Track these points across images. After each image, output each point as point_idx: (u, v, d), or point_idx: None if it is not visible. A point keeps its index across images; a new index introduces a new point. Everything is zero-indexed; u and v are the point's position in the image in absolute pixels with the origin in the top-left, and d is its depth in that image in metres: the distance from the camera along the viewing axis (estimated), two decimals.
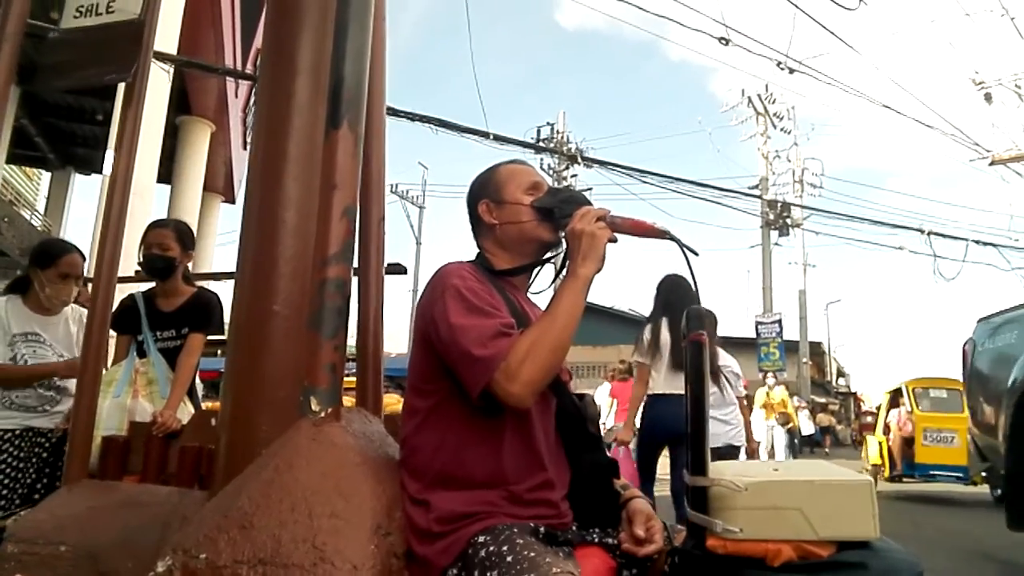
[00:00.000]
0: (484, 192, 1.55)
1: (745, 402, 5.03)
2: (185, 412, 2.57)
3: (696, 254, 1.33)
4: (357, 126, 1.48)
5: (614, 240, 1.38)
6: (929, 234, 15.97)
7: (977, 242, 15.83)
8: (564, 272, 1.40)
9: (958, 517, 7.59)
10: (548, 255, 1.55)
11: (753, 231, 19.02)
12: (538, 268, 1.56)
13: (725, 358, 4.39)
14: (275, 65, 1.70)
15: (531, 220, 1.48)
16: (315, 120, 1.57)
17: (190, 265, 2.97)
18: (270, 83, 1.71)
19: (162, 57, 6.67)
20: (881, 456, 9.85)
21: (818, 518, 1.07)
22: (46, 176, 19.66)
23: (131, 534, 1.55)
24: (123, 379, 2.56)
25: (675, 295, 3.80)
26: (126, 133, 1.96)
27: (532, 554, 1.16)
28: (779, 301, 19.44)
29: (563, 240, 1.46)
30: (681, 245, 1.32)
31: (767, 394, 11.32)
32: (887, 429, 10.11)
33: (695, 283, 1.31)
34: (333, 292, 1.40)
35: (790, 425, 11.33)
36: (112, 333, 2.88)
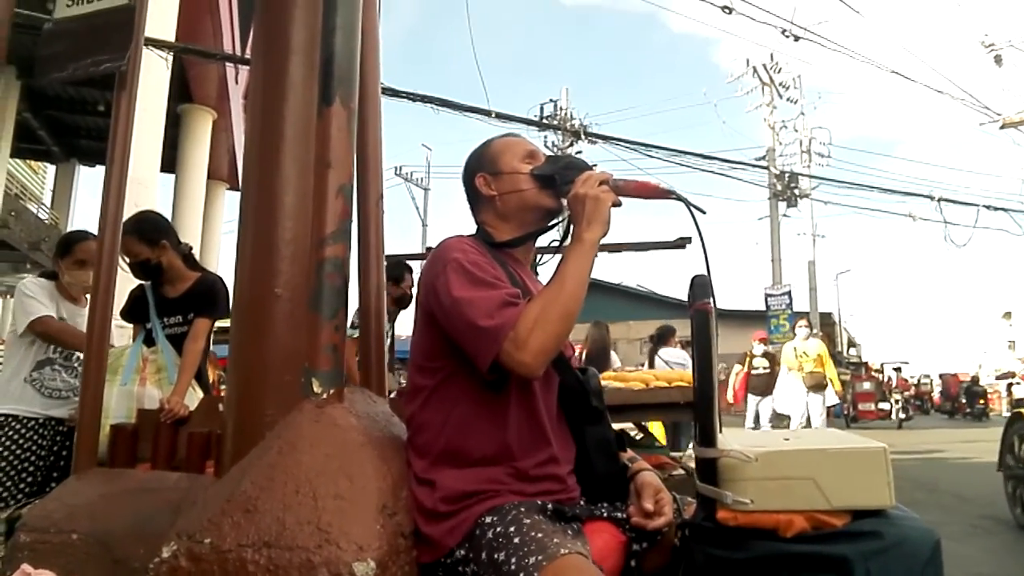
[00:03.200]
0: (480, 166, 1.52)
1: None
2: (194, 398, 2.58)
3: (704, 212, 1.30)
4: (350, 102, 1.44)
5: (618, 204, 1.35)
6: (939, 200, 15.76)
7: (988, 207, 15.60)
8: (569, 238, 1.38)
9: None
10: (550, 223, 1.52)
11: (761, 203, 18.86)
12: (540, 235, 1.53)
13: (676, 355, 5.73)
14: (267, 44, 1.67)
15: (531, 188, 1.46)
16: (310, 99, 1.53)
17: (196, 251, 2.97)
18: (263, 63, 1.68)
19: (159, 44, 6.62)
20: None
21: (831, 487, 1.05)
22: (51, 169, 19.69)
23: (142, 520, 1.55)
24: (129, 366, 2.57)
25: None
26: (120, 119, 1.93)
27: (539, 534, 1.15)
28: (788, 272, 19.22)
29: (565, 207, 1.44)
30: (688, 204, 1.30)
31: (795, 350, 8.09)
32: None
33: (703, 243, 1.28)
34: (331, 272, 1.38)
35: (827, 390, 7.99)
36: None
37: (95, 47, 2.04)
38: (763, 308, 17.76)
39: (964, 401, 21.35)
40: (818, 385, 7.83)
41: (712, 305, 1.15)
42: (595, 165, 1.45)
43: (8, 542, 1.59)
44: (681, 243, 5.23)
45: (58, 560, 1.52)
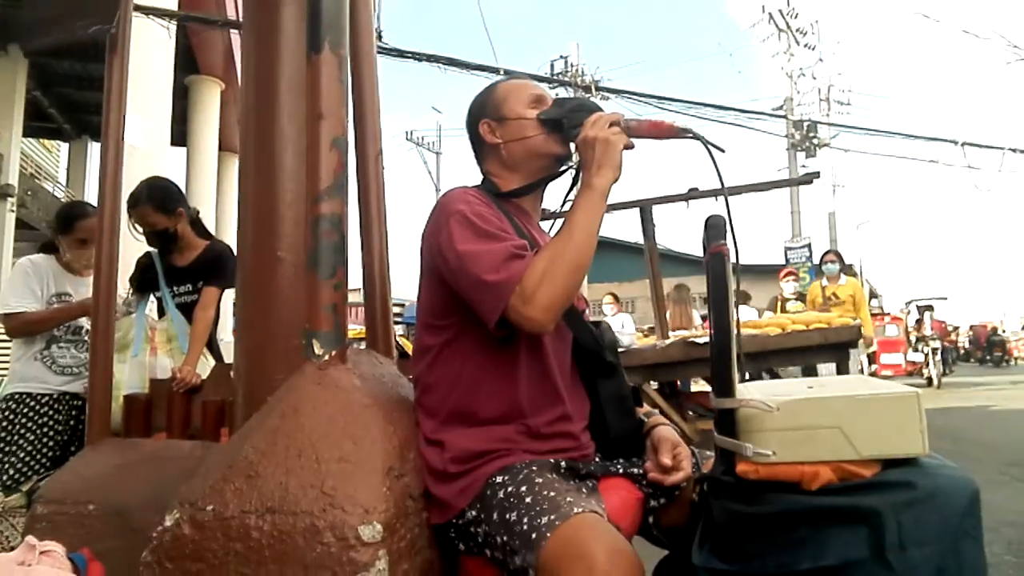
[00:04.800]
0: (483, 112, 1.44)
1: None
2: (206, 366, 2.56)
3: (722, 151, 1.23)
4: (340, 48, 1.37)
5: (630, 146, 1.27)
6: (963, 145, 15.31)
7: (1014, 150, 15.14)
8: (578, 185, 1.30)
9: None
10: (560, 170, 1.44)
11: (780, 154, 18.50)
12: (548, 183, 1.45)
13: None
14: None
15: (538, 134, 1.38)
16: (304, 53, 1.46)
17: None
18: (254, 17, 1.60)
19: (157, 12, 6.51)
20: None
21: (860, 436, 0.99)
22: (64, 147, 19.77)
23: (158, 489, 1.53)
24: (138, 336, 2.55)
25: None
26: (114, 84, 1.87)
27: (552, 493, 1.11)
28: (808, 224, 18.79)
29: (574, 152, 1.36)
30: (705, 143, 1.22)
31: (824, 291, 6.55)
32: None
33: (722, 183, 1.21)
34: (328, 229, 1.32)
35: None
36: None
37: (82, 9, 1.98)
38: (783, 262, 17.55)
39: (985, 349, 21.71)
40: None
41: (729, 247, 1.08)
42: None
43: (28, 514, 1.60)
44: (808, 179, 4.93)
45: (76, 531, 1.52)
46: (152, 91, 7.95)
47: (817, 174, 5.01)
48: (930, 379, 12.49)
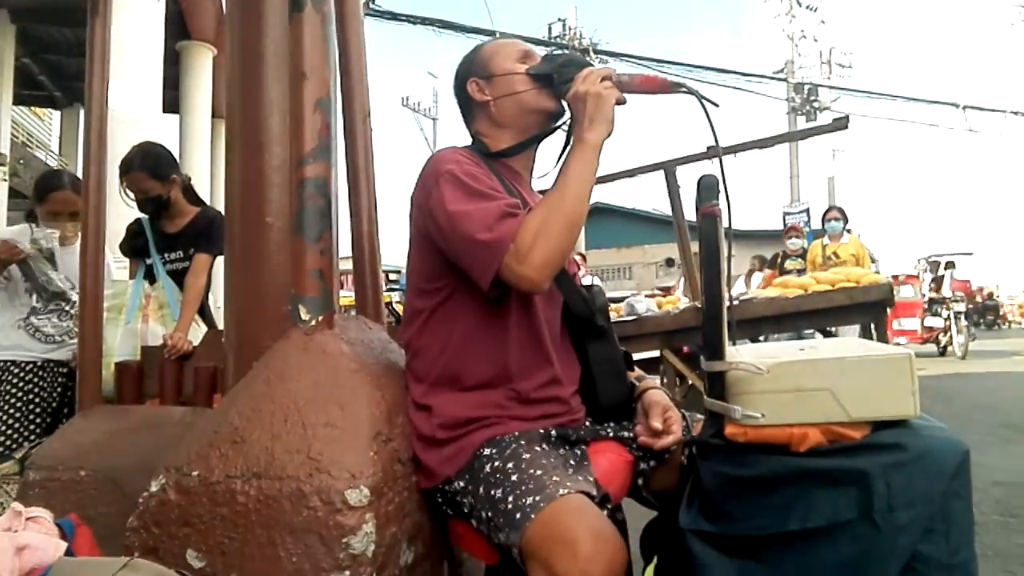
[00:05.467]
0: (471, 71, 1.40)
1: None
2: (198, 333, 2.55)
3: (716, 105, 1.20)
4: (323, 5, 1.33)
5: (623, 101, 1.24)
6: (965, 108, 15.18)
7: (1016, 112, 15.03)
8: (570, 142, 1.28)
9: None
10: (551, 127, 1.40)
11: (780, 119, 18.32)
12: (539, 141, 1.42)
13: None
14: None
15: (528, 89, 1.34)
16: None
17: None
18: None
19: None
20: None
21: (850, 398, 0.98)
22: (56, 115, 19.52)
23: (149, 455, 1.53)
24: (132, 304, 2.54)
25: None
26: (96, 48, 1.82)
27: (538, 471, 1.11)
28: (808, 189, 18.64)
29: (566, 108, 1.33)
30: (699, 97, 1.20)
31: (824, 249, 6.16)
32: None
33: (716, 139, 1.19)
34: (314, 193, 1.30)
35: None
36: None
37: None
38: (781, 227, 17.48)
39: (979, 313, 22.39)
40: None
41: (721, 207, 1.06)
42: None
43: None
44: (842, 124, 4.66)
45: (68, 497, 1.53)
46: (142, 57, 7.80)
47: (847, 117, 4.80)
48: (946, 348, 10.97)
